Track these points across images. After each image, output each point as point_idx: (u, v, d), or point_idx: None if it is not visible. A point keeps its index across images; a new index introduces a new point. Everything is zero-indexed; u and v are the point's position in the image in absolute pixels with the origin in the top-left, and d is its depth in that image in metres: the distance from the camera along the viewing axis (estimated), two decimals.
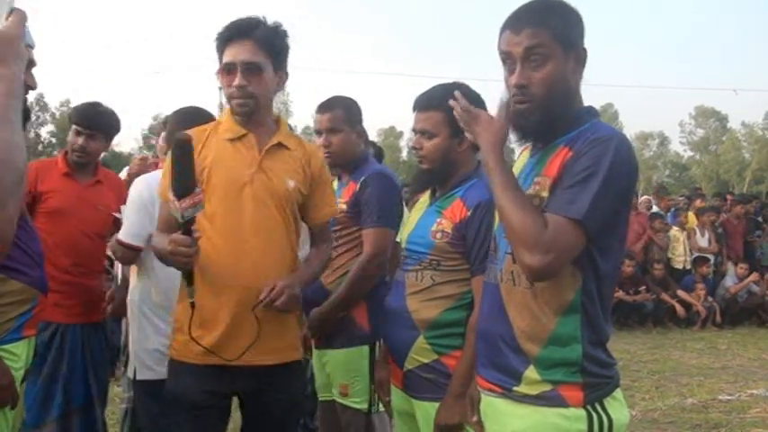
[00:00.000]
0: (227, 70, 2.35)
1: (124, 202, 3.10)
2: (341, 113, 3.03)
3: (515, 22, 1.79)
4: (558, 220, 1.65)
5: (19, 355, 2.09)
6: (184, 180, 2.10)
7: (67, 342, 3.33)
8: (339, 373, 2.97)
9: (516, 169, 1.93)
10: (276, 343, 2.38)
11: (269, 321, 2.32)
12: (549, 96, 1.75)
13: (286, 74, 2.46)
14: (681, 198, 11.82)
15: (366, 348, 2.91)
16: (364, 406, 2.92)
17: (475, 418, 2.05)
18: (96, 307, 3.46)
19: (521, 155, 1.99)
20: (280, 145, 2.43)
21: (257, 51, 2.32)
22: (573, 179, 1.68)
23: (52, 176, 3.38)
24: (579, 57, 1.80)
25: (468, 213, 2.30)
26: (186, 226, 2.14)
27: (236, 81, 2.32)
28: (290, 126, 2.78)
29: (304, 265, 2.51)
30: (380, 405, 2.90)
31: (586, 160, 1.67)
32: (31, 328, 2.22)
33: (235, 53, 2.32)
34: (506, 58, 1.80)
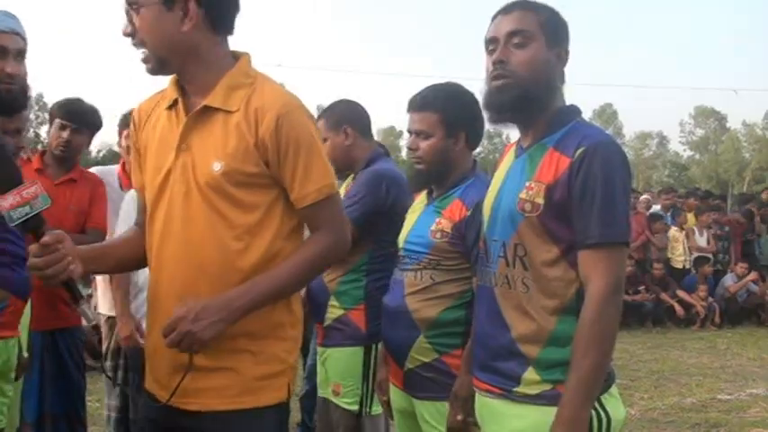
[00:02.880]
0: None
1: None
2: (322, 122, 3.01)
3: (504, 9, 1.85)
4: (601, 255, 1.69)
5: None
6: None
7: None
8: (333, 371, 2.97)
9: (501, 171, 1.93)
10: (210, 381, 1.77)
11: (206, 351, 1.73)
12: (527, 76, 1.78)
13: (195, 1, 1.72)
14: (679, 200, 11.79)
15: (361, 350, 2.90)
16: (355, 407, 2.91)
17: (460, 417, 2.05)
18: (63, 312, 3.30)
19: (505, 155, 1.99)
20: (209, 109, 1.76)
21: None
22: (588, 203, 1.69)
23: (25, 173, 3.33)
24: (561, 56, 1.84)
25: (468, 213, 2.30)
26: (32, 231, 1.68)
27: (123, 28, 1.79)
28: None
29: (266, 271, 1.78)
30: (373, 409, 2.91)
31: (591, 181, 1.69)
32: (4, 329, 2.20)
33: None
34: (490, 43, 1.84)
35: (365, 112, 3.15)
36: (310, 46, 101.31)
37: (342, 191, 3.11)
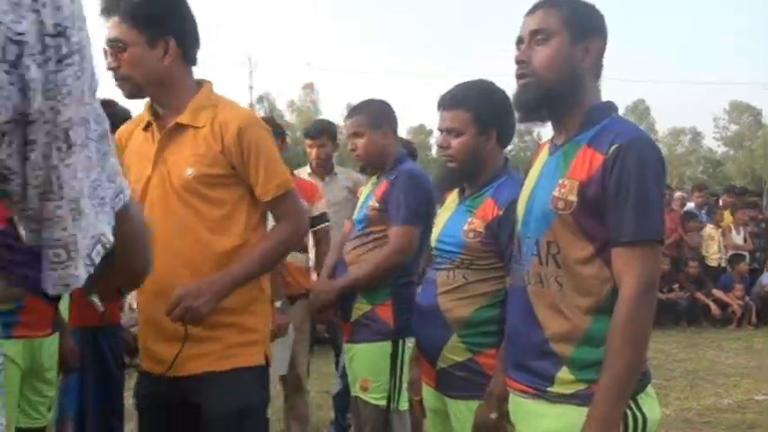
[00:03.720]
0: (104, 51, 2.14)
1: None
2: (360, 118, 3.10)
3: (530, 9, 1.86)
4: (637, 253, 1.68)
5: (6, 353, 2.07)
6: None
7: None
8: (361, 367, 3.01)
9: (535, 169, 1.92)
10: (197, 350, 2.16)
11: (196, 328, 2.13)
12: (548, 74, 1.78)
13: (177, 39, 2.13)
14: (712, 197, 11.59)
15: (389, 344, 2.94)
16: (383, 403, 2.95)
17: (494, 416, 2.04)
18: (90, 310, 3.40)
19: (539, 152, 1.98)
20: (180, 126, 2.16)
21: (120, 27, 2.09)
22: (623, 200, 1.68)
23: None
24: (589, 49, 1.81)
25: (501, 212, 2.29)
26: None
27: (106, 61, 2.12)
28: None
29: (239, 258, 2.17)
30: (401, 404, 2.94)
31: (625, 178, 1.67)
32: (27, 328, 2.22)
33: (107, 31, 2.12)
34: (518, 43, 1.85)
35: (395, 112, 3.24)
36: (339, 45, 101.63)
37: (367, 189, 3.17)
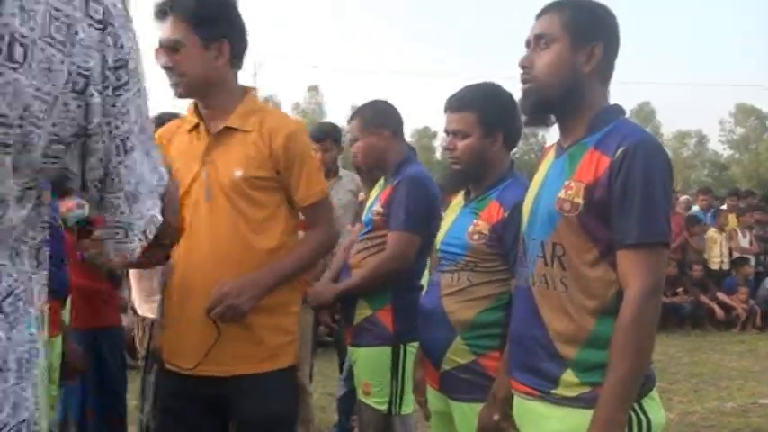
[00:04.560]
0: (158, 51, 2.20)
1: None
2: (356, 122, 3.09)
3: (539, 12, 1.88)
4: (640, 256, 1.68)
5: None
6: None
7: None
8: (363, 371, 3.02)
9: (541, 171, 1.93)
10: (237, 350, 2.19)
11: (231, 326, 2.15)
12: (547, 79, 1.81)
13: (230, 43, 2.21)
14: (716, 201, 11.57)
15: (389, 349, 2.94)
16: (384, 407, 2.95)
17: (496, 417, 2.04)
18: (103, 312, 3.38)
19: (545, 155, 1.99)
20: (229, 129, 2.23)
21: (177, 27, 2.15)
22: (629, 203, 1.68)
23: None
24: (593, 53, 1.81)
25: (506, 214, 2.30)
26: (85, 228, 2.05)
27: (161, 61, 2.19)
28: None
29: (276, 260, 2.24)
30: (404, 409, 2.95)
31: (631, 181, 1.67)
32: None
33: (161, 32, 2.19)
34: (527, 45, 1.88)
35: (398, 113, 3.18)
36: (345, 47, 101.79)
37: (374, 192, 3.15)
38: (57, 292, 2.28)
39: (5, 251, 0.89)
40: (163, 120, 2.88)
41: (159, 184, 1.01)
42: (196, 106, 2.30)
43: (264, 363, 2.22)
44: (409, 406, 2.98)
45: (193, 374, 2.19)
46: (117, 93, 0.88)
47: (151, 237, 0.99)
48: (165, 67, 2.18)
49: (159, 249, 1.14)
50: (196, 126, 2.28)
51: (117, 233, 0.96)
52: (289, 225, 2.30)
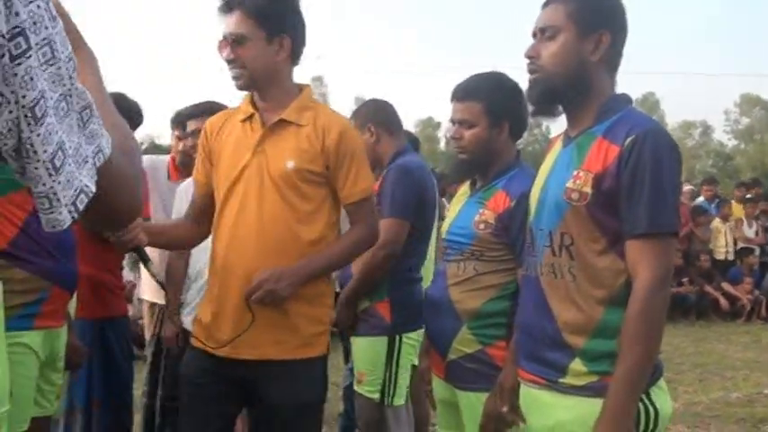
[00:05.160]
0: (221, 44, 2.30)
1: None
2: (354, 122, 3.09)
3: (543, 3, 1.88)
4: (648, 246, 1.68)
5: (28, 344, 2.09)
6: None
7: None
8: (358, 360, 3.10)
9: (548, 160, 1.93)
10: (272, 336, 2.26)
11: (268, 312, 2.22)
12: (554, 69, 1.80)
13: (291, 39, 2.30)
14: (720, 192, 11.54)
15: (385, 339, 2.99)
16: (376, 396, 3.00)
17: (505, 408, 2.04)
18: (110, 302, 3.36)
19: (552, 145, 1.99)
20: (284, 122, 2.30)
21: (242, 21, 2.25)
22: (637, 192, 1.68)
23: None
24: (600, 42, 1.80)
25: (512, 204, 2.30)
26: None
27: (224, 54, 2.28)
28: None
29: (317, 251, 2.30)
30: (396, 400, 3.00)
31: (640, 170, 1.67)
32: (48, 319, 2.24)
33: (225, 26, 2.28)
34: (533, 35, 1.87)
35: (392, 110, 3.25)
36: (351, 38, 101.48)
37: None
38: (65, 283, 2.28)
39: None
40: (213, 109, 2.98)
41: (97, 156, 0.98)
42: (251, 98, 2.37)
43: (298, 350, 2.28)
44: (402, 397, 3.04)
45: (224, 355, 2.26)
46: (17, 61, 0.87)
47: (81, 207, 0.96)
48: (228, 60, 2.27)
49: (108, 225, 1.08)
50: (250, 117, 2.35)
51: (42, 203, 0.93)
52: (331, 219, 2.35)
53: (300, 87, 2.40)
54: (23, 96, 0.88)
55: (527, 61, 1.86)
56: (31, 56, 0.88)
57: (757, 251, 10.25)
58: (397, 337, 2.97)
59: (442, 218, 3.25)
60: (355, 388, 3.11)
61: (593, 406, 1.68)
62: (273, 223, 2.25)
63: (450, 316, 2.37)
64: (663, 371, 1.80)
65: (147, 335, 3.82)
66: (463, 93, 2.41)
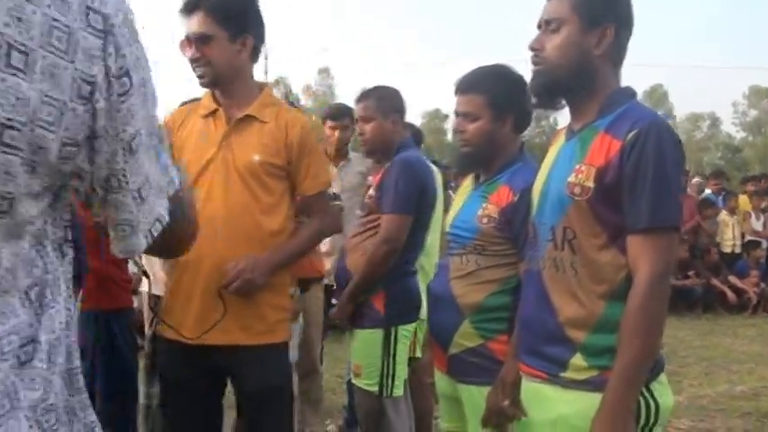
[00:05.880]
0: (184, 43, 2.38)
1: None
2: (372, 103, 3.13)
3: None
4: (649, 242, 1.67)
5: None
6: None
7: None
8: (355, 353, 3.11)
9: (551, 154, 1.92)
10: (240, 322, 2.37)
11: (236, 300, 2.33)
12: (557, 62, 1.79)
13: (253, 38, 2.41)
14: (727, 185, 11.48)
15: (380, 332, 2.99)
16: (375, 389, 3.01)
17: (507, 402, 2.04)
18: (115, 294, 3.36)
19: (555, 139, 1.97)
20: (249, 117, 2.42)
21: (206, 22, 2.33)
22: (640, 187, 1.67)
23: None
24: (605, 35, 1.79)
25: (515, 198, 2.29)
26: None
27: (188, 53, 2.36)
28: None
29: (278, 242, 2.44)
30: (395, 391, 3.00)
31: (643, 165, 1.66)
32: None
33: (188, 26, 2.36)
34: (538, 27, 1.86)
35: (403, 100, 3.26)
36: (356, 29, 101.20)
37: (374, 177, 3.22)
38: (75, 277, 2.29)
39: (27, 242, 0.95)
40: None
41: (169, 187, 1.07)
42: (214, 94, 2.47)
43: (263, 335, 2.41)
44: (400, 389, 3.04)
45: (196, 344, 2.33)
46: (121, 99, 0.94)
47: (156, 235, 1.04)
48: (192, 59, 2.36)
49: (168, 251, 1.20)
50: (213, 112, 2.45)
51: (123, 230, 1.02)
52: (290, 212, 2.50)
53: (261, 86, 2.53)
54: (124, 131, 0.96)
55: (531, 53, 1.85)
56: (133, 94, 0.96)
57: (764, 244, 10.20)
58: (393, 330, 2.98)
59: (448, 210, 3.25)
60: (353, 381, 3.12)
61: (595, 400, 1.67)
62: (240, 213, 2.36)
63: (452, 310, 2.36)
64: (664, 365, 1.80)
65: (147, 329, 3.83)
66: (466, 85, 2.40)
